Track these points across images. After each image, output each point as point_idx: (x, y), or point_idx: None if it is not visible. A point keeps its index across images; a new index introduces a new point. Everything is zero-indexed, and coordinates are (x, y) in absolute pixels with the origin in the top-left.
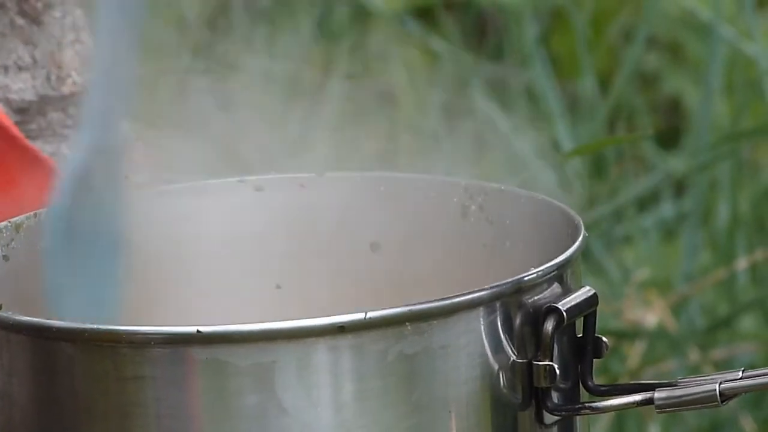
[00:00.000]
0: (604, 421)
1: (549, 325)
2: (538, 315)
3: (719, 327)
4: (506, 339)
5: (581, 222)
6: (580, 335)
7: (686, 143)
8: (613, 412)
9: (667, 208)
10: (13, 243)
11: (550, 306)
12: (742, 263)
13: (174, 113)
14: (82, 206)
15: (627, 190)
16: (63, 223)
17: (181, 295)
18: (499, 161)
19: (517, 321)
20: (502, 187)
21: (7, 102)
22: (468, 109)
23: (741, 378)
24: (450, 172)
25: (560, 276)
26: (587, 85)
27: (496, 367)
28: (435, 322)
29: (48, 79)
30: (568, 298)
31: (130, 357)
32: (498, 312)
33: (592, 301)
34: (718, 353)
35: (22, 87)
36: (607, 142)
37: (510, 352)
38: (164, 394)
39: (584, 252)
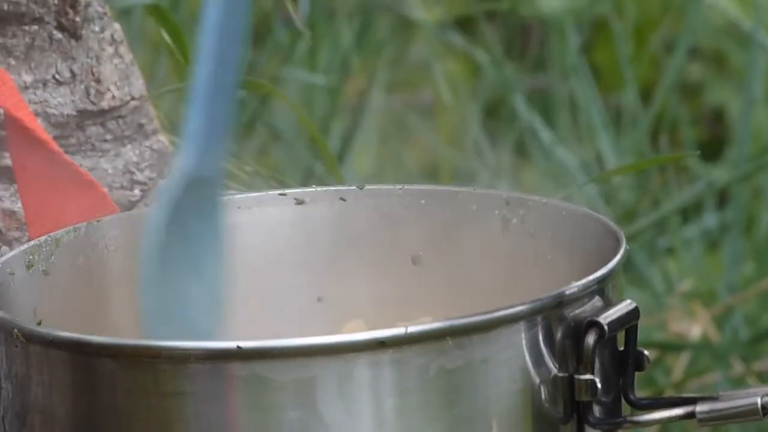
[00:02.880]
0: None
1: (590, 339)
2: (579, 329)
3: (763, 338)
4: (547, 353)
5: (623, 235)
6: (622, 348)
7: (729, 153)
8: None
9: (710, 219)
10: (52, 258)
11: (591, 320)
12: None
13: None
14: (179, 232)
15: (670, 200)
16: (157, 247)
17: None
18: (542, 173)
19: (559, 335)
20: (544, 200)
21: (46, 116)
22: (510, 120)
23: None
24: (491, 185)
25: (601, 289)
26: (630, 96)
27: (537, 381)
28: (476, 336)
29: (87, 93)
30: (609, 312)
31: (170, 372)
32: (539, 326)
33: (633, 315)
34: (762, 364)
35: (61, 101)
36: (649, 163)
37: (551, 365)
38: (205, 410)
39: (627, 263)
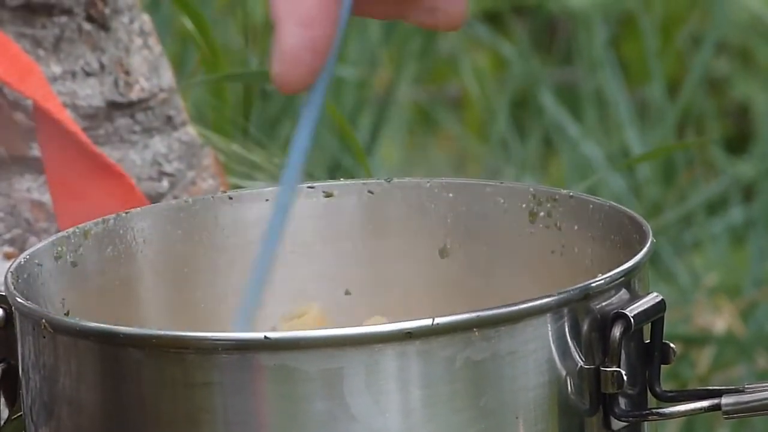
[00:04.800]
0: (672, 427)
1: (616, 331)
2: (605, 321)
3: None
4: (574, 345)
5: (649, 228)
6: (648, 341)
7: (754, 148)
8: (681, 418)
9: (736, 214)
10: (81, 249)
11: (617, 312)
12: None
13: (242, 119)
14: None
15: (696, 195)
16: None
17: None
18: (568, 166)
19: (585, 327)
20: (571, 194)
21: (75, 108)
22: (537, 113)
23: None
24: (518, 178)
25: (628, 282)
26: (656, 90)
27: (563, 373)
28: (503, 328)
29: (116, 84)
30: (635, 304)
31: (198, 363)
32: (565, 318)
33: (659, 307)
34: None
35: (90, 93)
36: (673, 148)
37: (577, 358)
38: (232, 401)
39: (653, 257)
